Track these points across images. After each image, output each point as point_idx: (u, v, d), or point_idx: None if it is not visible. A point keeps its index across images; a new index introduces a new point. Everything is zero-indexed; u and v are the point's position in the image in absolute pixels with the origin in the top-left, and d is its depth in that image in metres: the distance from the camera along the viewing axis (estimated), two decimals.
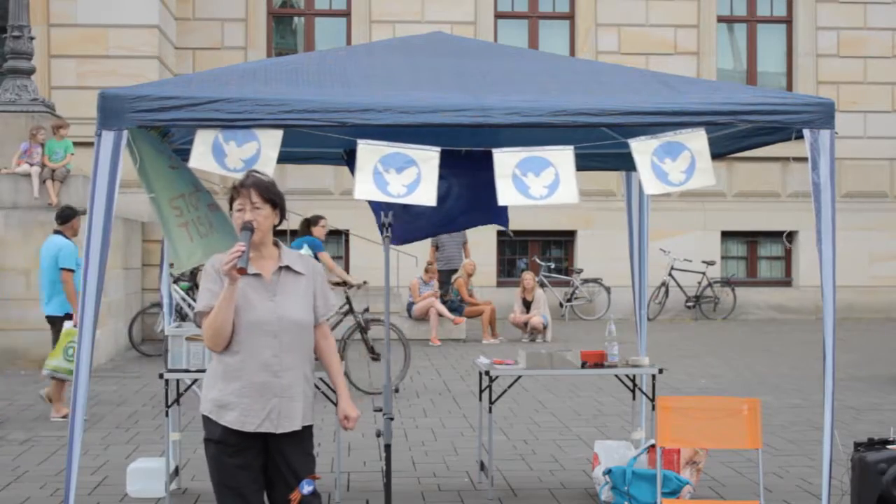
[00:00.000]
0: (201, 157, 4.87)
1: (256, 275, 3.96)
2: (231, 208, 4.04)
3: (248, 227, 3.92)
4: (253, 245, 3.95)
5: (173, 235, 5.65)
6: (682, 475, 6.27)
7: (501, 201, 5.17)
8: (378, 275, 3.80)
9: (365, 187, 5.02)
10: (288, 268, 4.04)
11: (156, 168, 5.56)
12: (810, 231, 5.37)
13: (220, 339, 3.91)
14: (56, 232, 9.33)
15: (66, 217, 9.33)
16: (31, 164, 12.63)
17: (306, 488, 3.93)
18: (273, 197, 4.01)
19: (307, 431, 4.07)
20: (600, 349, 6.66)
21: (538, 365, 6.55)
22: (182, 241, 5.65)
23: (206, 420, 4.02)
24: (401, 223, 6.55)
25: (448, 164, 5.30)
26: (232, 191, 4.03)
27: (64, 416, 8.74)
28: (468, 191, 6.65)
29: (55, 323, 9.15)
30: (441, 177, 5.14)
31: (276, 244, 4.09)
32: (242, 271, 3.80)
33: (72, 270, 8.96)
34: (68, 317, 8.94)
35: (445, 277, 16.53)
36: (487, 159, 5.20)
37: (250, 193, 3.97)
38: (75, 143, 12.99)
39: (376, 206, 6.58)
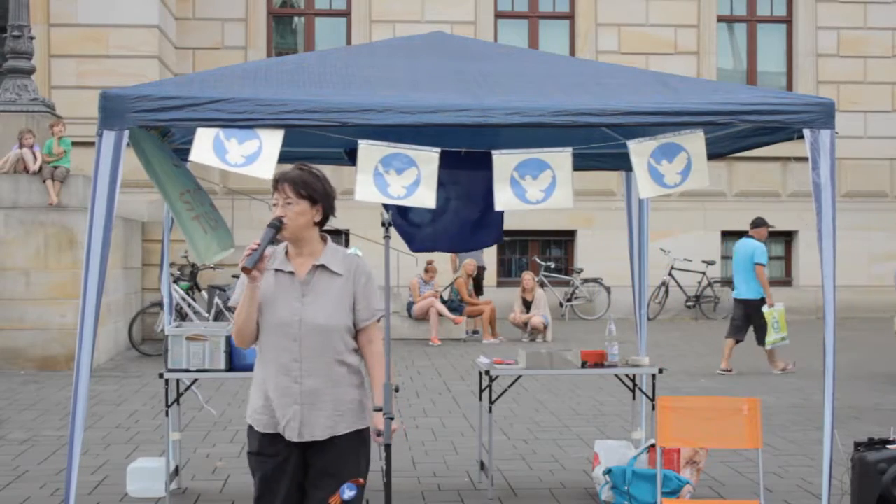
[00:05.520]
0: (202, 152, 4.84)
1: (290, 273, 3.82)
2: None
3: (274, 225, 3.77)
4: (290, 241, 3.83)
5: (189, 228, 5.65)
6: (682, 475, 6.27)
7: (498, 206, 5.17)
8: (378, 274, 3.78)
9: (365, 189, 5.02)
10: (324, 267, 3.83)
11: (162, 165, 5.58)
12: (810, 231, 5.37)
13: (244, 336, 3.81)
14: (748, 236, 11.94)
15: (757, 224, 11.91)
16: (26, 167, 12.64)
17: (347, 493, 3.74)
18: (311, 192, 3.82)
19: (348, 439, 3.83)
20: (600, 349, 6.67)
21: (538, 365, 6.55)
22: (198, 233, 5.65)
23: (249, 430, 3.88)
24: (406, 229, 6.58)
25: (447, 166, 5.28)
26: (273, 184, 3.88)
27: (782, 370, 11.80)
28: (464, 204, 6.64)
29: (749, 305, 11.81)
30: (440, 183, 5.12)
31: (323, 240, 3.90)
32: (246, 270, 3.68)
33: (763, 265, 11.64)
34: (763, 301, 11.66)
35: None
36: (486, 162, 5.20)
37: (284, 188, 3.81)
38: (75, 143, 12.97)
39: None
